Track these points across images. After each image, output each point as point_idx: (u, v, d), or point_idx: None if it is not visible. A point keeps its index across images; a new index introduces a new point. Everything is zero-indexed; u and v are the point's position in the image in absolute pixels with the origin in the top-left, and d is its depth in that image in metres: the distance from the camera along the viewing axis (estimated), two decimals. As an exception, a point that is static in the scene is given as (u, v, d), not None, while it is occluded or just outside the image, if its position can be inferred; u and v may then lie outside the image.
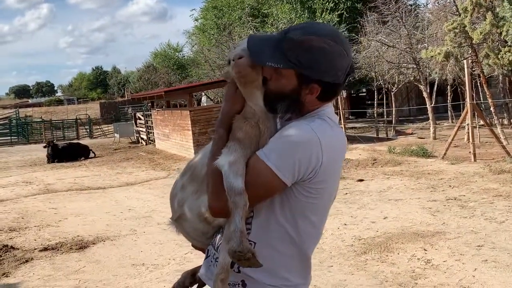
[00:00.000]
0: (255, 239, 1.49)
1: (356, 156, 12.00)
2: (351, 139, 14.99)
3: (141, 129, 22.21)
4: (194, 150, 13.85)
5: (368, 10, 19.87)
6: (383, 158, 11.30)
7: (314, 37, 1.41)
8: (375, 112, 21.42)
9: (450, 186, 7.83)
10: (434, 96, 20.04)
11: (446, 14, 15.58)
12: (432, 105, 16.85)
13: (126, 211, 7.79)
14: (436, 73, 16.73)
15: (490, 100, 12.68)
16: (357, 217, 6.37)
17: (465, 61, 11.05)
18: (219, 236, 1.58)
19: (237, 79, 1.45)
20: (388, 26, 18.09)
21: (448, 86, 20.24)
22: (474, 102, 10.99)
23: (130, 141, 22.98)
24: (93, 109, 45.76)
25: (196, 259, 4.62)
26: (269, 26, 21.29)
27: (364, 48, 18.50)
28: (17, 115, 39.06)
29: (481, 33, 11.05)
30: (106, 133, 30.98)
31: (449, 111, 20.95)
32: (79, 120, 32.45)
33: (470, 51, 12.60)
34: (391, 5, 17.35)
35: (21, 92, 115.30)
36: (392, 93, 20.05)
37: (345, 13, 21.53)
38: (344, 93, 26.26)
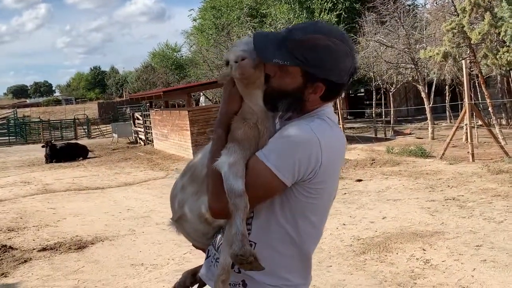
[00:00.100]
0: (255, 240, 1.49)
1: (355, 156, 12.00)
2: (350, 139, 14.97)
3: (139, 129, 22.16)
4: (192, 150, 13.84)
5: (366, 10, 19.89)
6: (382, 158, 11.31)
7: (320, 36, 1.41)
8: (373, 112, 21.41)
9: (448, 186, 7.84)
10: (432, 96, 20.05)
11: (445, 14, 15.57)
12: (430, 105, 16.86)
13: (124, 211, 7.77)
14: (434, 73, 16.74)
15: (488, 100, 12.68)
16: (356, 217, 6.38)
17: (463, 61, 11.08)
18: (219, 236, 1.58)
19: (240, 81, 1.44)
20: (386, 26, 18.11)
21: (446, 86, 20.28)
22: (473, 102, 11.00)
23: (129, 141, 22.93)
24: (91, 109, 45.73)
25: (195, 259, 4.62)
26: (268, 26, 21.25)
27: (363, 48, 18.49)
28: (15, 115, 39.08)
29: (479, 33, 11.05)
30: (104, 133, 30.94)
31: (447, 111, 20.96)
32: (77, 120, 32.42)
33: (468, 51, 12.61)
34: (389, 5, 17.36)
35: (19, 92, 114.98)
36: (390, 93, 20.07)
37: (343, 13, 21.52)
38: (342, 93, 26.22)
